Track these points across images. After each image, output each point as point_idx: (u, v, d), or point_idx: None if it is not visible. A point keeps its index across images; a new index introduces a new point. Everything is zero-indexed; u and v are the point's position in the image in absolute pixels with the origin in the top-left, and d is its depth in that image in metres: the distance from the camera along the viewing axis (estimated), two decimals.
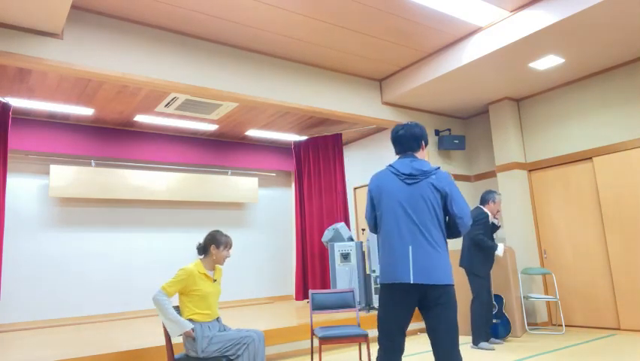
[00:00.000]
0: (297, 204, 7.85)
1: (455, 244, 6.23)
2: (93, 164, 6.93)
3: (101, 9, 4.04)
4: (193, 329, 2.91)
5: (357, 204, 8.36)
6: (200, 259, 3.14)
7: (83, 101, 5.95)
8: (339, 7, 4.16)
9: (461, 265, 4.66)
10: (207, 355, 2.88)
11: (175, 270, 7.37)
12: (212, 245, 3.11)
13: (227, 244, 3.15)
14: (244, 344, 2.87)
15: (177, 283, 2.96)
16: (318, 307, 3.80)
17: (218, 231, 3.18)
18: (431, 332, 2.26)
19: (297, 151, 8.05)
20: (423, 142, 2.48)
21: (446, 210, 2.33)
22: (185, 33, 4.53)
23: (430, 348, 4.63)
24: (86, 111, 6.22)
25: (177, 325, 2.88)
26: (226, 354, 2.87)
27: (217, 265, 3.21)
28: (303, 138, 7.95)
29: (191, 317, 2.98)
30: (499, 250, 4.62)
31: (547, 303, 5.71)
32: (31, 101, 5.75)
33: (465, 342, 4.78)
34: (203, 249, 3.15)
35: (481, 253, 4.57)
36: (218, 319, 3.12)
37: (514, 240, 5.80)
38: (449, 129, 6.54)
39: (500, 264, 5.11)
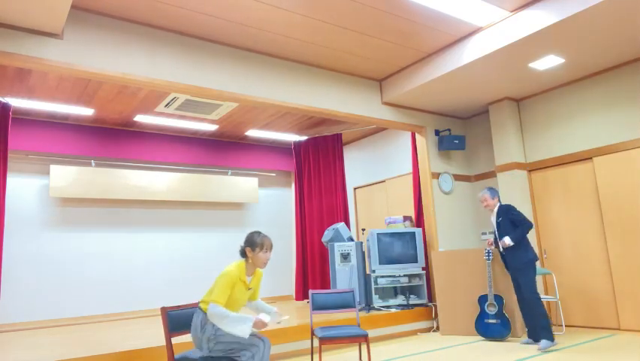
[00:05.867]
0: (297, 204, 7.85)
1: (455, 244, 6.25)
2: (93, 164, 6.94)
3: (101, 9, 4.04)
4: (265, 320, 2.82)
5: (357, 204, 8.36)
6: (245, 262, 3.01)
7: (83, 101, 5.95)
8: (339, 7, 4.16)
9: None
10: (213, 354, 2.84)
11: (174, 270, 7.37)
12: (248, 248, 2.98)
13: (264, 246, 2.96)
14: (250, 352, 2.78)
15: (227, 292, 2.84)
16: (318, 307, 3.80)
17: (255, 232, 3.02)
18: None
19: (297, 151, 8.05)
20: None
21: None
22: (185, 33, 4.53)
23: (429, 348, 4.64)
24: (86, 111, 6.22)
25: (243, 324, 2.75)
26: (230, 355, 2.84)
27: (255, 274, 3.07)
28: (303, 138, 7.95)
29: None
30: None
31: (548, 303, 5.71)
32: (31, 101, 5.75)
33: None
34: (243, 252, 3.01)
35: None
36: None
37: None
38: (449, 129, 6.54)
39: (500, 264, 5.11)
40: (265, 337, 2.92)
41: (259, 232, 3.02)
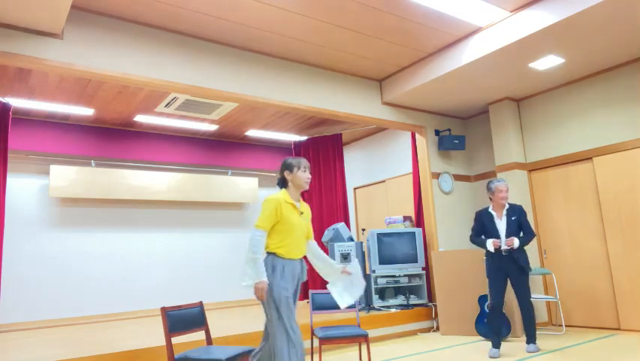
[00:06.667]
0: None
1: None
2: (93, 164, 6.94)
3: (101, 9, 4.04)
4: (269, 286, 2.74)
5: (357, 204, 8.36)
6: (286, 189, 2.96)
7: (83, 101, 5.95)
8: (339, 7, 4.16)
9: None
10: (269, 306, 2.73)
11: (174, 270, 7.38)
12: (286, 171, 2.93)
13: (300, 165, 2.92)
14: (287, 346, 2.72)
15: (271, 216, 2.77)
16: (318, 307, 3.80)
17: (287, 158, 3.01)
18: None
19: (297, 151, 8.04)
20: None
21: None
22: (185, 33, 4.53)
23: (429, 348, 4.64)
24: (86, 111, 6.22)
25: (250, 276, 2.69)
26: (273, 314, 2.72)
27: (302, 203, 3.02)
28: (303, 138, 7.95)
29: (275, 250, 2.78)
30: (488, 244, 4.39)
31: (548, 303, 5.71)
32: (31, 101, 5.75)
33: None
34: (282, 180, 2.97)
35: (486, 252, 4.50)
36: (301, 262, 2.92)
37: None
38: (449, 129, 6.54)
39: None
40: (300, 342, 2.81)
41: (293, 157, 3.01)
